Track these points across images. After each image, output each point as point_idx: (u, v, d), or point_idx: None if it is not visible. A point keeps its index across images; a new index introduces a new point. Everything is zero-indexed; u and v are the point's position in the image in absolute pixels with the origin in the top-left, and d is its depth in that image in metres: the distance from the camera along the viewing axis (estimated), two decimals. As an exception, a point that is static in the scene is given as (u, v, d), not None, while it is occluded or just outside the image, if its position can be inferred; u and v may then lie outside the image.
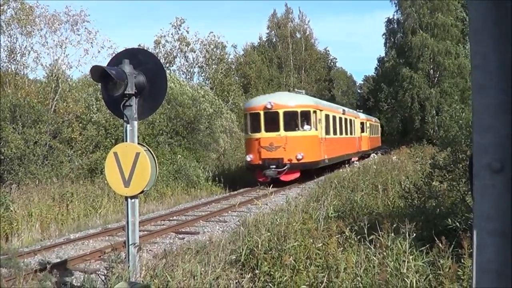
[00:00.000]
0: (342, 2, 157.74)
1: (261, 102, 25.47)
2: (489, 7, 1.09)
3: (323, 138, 26.92)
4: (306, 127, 25.19)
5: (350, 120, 38.04)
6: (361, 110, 51.01)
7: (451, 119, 9.58)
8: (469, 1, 1.14)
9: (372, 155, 36.40)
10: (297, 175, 24.25)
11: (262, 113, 24.46)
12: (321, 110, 27.13)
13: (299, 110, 24.97)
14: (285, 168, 23.53)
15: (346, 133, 35.84)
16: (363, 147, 41.97)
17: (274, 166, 23.54)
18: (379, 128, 56.83)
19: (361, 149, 41.32)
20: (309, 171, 25.46)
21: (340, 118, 33.54)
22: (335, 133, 31.26)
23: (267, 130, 24.27)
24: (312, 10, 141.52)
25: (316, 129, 25.81)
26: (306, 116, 25.32)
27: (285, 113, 24.47)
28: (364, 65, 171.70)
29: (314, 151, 25.44)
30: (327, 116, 28.80)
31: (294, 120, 24.95)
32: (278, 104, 24.46)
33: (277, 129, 24.19)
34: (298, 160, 23.88)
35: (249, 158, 24.53)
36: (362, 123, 42.26)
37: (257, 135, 24.45)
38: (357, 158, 37.76)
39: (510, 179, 1.07)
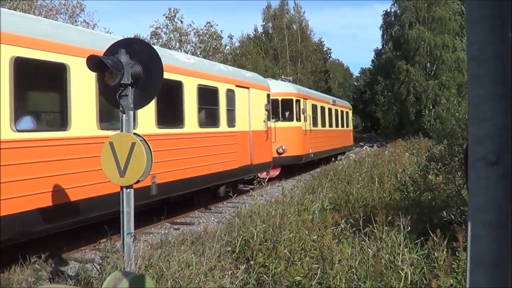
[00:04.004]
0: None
1: None
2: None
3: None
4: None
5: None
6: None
7: (448, 112, 9.58)
8: None
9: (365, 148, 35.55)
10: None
11: None
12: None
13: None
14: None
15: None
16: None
17: None
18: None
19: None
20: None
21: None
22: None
23: None
24: (310, 1, 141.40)
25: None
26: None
27: None
28: (361, 57, 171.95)
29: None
30: (314, 107, 27.04)
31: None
32: None
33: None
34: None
35: None
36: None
37: None
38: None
39: (505, 170, 1.06)
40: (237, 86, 16.86)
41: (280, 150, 22.26)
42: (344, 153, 36.20)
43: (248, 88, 17.85)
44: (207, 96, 14.82)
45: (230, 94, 16.24)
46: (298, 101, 23.95)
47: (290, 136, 22.99)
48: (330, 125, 31.51)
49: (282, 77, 29.27)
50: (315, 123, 26.93)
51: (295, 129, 23.51)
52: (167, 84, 10.93)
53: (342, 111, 35.86)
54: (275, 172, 21.71)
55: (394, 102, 55.27)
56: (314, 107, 26.98)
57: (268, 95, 20.03)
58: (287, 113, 23.47)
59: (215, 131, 15.12)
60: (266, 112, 19.46)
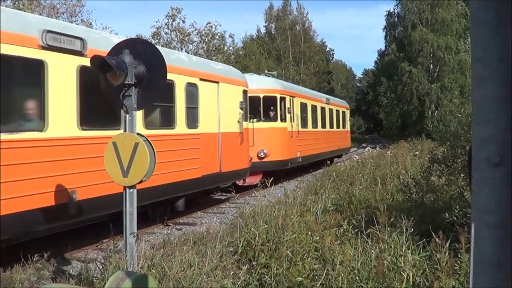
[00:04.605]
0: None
1: None
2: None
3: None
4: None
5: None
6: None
7: (451, 114, 9.58)
8: None
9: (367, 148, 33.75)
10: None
11: None
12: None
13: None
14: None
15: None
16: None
17: None
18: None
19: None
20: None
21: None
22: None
23: None
24: (313, 2, 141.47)
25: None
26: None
27: None
28: (365, 58, 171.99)
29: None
30: (303, 105, 24.49)
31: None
32: None
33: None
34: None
35: None
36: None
37: None
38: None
39: (509, 171, 1.07)
40: (202, 79, 14.11)
41: (261, 154, 19.80)
42: (341, 155, 34.54)
43: (217, 82, 15.07)
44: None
45: (191, 89, 13.61)
46: (283, 98, 21.38)
47: (273, 139, 20.52)
48: (323, 126, 28.82)
49: (266, 71, 26.36)
50: (304, 124, 24.57)
51: (279, 131, 21.02)
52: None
53: (337, 111, 33.06)
54: (255, 179, 18.72)
55: (397, 103, 55.21)
56: (303, 106, 24.51)
57: (245, 92, 17.27)
58: (270, 113, 20.94)
59: (168, 133, 12.45)
60: (242, 111, 16.68)
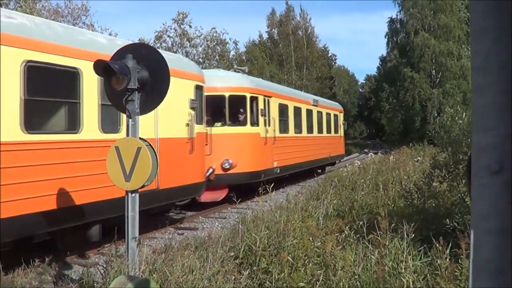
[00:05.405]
0: (348, 1, 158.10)
1: None
2: (490, 5, 1.11)
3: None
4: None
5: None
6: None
7: (452, 120, 9.60)
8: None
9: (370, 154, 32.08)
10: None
11: None
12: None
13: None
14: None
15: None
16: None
17: None
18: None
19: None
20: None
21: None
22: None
23: None
24: (318, 7, 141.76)
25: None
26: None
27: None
28: (367, 63, 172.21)
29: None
30: (283, 107, 21.22)
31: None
32: None
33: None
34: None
35: None
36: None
37: None
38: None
39: (509, 179, 1.08)
40: (339, 112, 10.02)
41: (226, 165, 16.42)
42: (334, 163, 31.40)
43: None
44: (54, 82, 9.51)
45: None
46: (254, 98, 17.94)
47: (241, 146, 17.16)
48: (310, 131, 25.39)
49: (235, 66, 23.56)
50: (284, 129, 21.30)
51: (249, 137, 17.58)
52: (324, 112, 5.86)
53: (328, 114, 28.82)
54: (219, 195, 16.40)
55: (399, 109, 55.21)
56: (283, 108, 21.25)
57: (199, 87, 14.02)
58: (239, 116, 17.64)
59: (68, 139, 9.48)
60: (193, 112, 13.42)
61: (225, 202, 16.46)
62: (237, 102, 17.42)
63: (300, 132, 23.72)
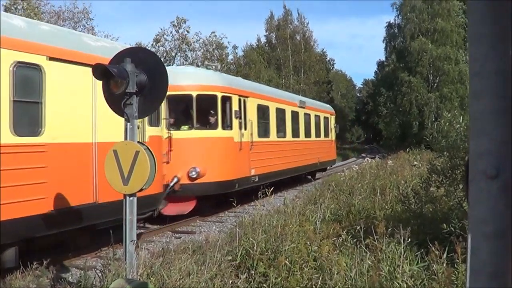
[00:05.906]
0: (346, 5, 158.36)
1: None
2: (487, 10, 1.12)
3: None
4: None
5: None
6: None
7: (450, 125, 9.61)
8: (469, 3, 1.16)
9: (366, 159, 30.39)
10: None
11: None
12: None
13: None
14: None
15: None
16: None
17: None
18: None
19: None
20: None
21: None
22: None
23: None
24: (315, 11, 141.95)
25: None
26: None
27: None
28: (365, 68, 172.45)
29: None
30: (262, 108, 19.23)
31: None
32: None
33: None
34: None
35: None
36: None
37: None
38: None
39: (505, 183, 1.09)
40: (52, 59, 9.10)
41: (193, 173, 14.70)
42: (325, 169, 29.58)
43: (91, 66, 7.92)
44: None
45: (30, 73, 8.79)
46: (227, 98, 16.06)
47: (211, 152, 15.43)
48: (296, 135, 23.29)
49: (206, 62, 21.31)
50: (264, 132, 19.38)
51: (221, 141, 15.75)
52: (312, 115, 4.51)
53: (317, 116, 26.67)
54: (185, 207, 14.92)
55: (397, 113, 55.30)
56: (262, 109, 19.26)
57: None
58: (210, 118, 15.84)
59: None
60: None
61: (194, 214, 15.22)
62: (207, 102, 15.57)
63: (284, 136, 21.84)
